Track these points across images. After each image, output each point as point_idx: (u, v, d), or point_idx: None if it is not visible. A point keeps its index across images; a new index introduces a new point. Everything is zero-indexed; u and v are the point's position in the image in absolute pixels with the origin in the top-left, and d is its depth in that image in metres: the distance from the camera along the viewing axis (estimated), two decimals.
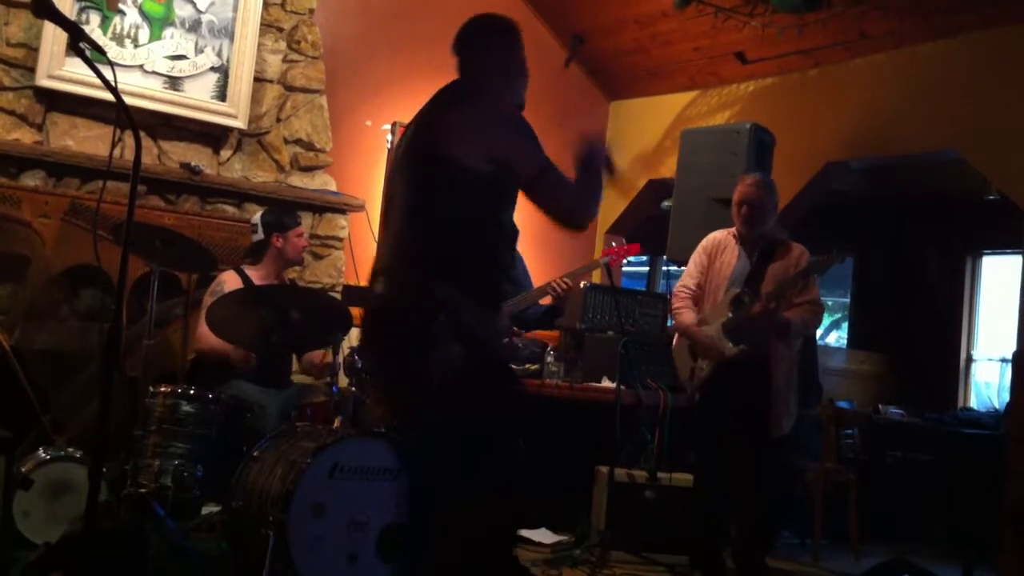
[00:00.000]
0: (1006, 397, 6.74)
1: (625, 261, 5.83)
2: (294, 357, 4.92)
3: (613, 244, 5.02)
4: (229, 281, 4.57)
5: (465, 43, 2.95)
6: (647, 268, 10.16)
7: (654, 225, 7.04)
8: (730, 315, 4.26)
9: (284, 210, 5.10)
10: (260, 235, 4.71)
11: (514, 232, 2.83)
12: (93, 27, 5.18)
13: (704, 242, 4.56)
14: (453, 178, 2.65)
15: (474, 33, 2.95)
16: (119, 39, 5.28)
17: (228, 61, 5.56)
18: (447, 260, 2.63)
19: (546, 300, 4.88)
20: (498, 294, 2.73)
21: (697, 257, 4.54)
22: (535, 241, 6.78)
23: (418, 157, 2.77)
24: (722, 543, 4.42)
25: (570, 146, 2.85)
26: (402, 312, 2.67)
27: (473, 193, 2.65)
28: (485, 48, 2.93)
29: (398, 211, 2.77)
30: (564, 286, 4.72)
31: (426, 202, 2.71)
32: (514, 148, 2.68)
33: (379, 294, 2.73)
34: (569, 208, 2.74)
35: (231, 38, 5.57)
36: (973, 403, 7.88)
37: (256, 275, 4.65)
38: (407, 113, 6.76)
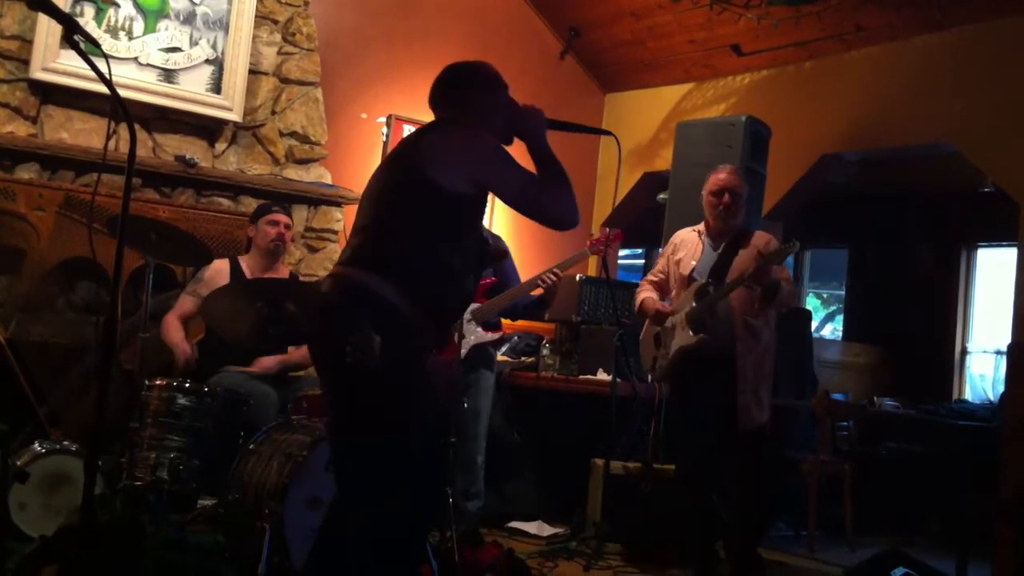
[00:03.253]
0: (1001, 389, 6.77)
1: (621, 252, 5.85)
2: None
3: (593, 233, 5.03)
4: (213, 269, 4.61)
5: (441, 97, 2.91)
6: (643, 261, 10.17)
7: (650, 218, 7.05)
8: (693, 304, 4.26)
9: (264, 202, 5.13)
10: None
11: (476, 248, 2.82)
12: (87, 19, 5.16)
13: (670, 240, 4.66)
14: (424, 195, 2.66)
15: (455, 84, 2.91)
16: (113, 31, 5.26)
17: (223, 53, 5.54)
18: (391, 262, 2.63)
19: (537, 291, 4.88)
20: (437, 302, 2.68)
21: (661, 256, 4.69)
22: (530, 234, 6.81)
23: (397, 170, 2.78)
24: (715, 534, 4.44)
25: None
26: (333, 304, 2.67)
27: (437, 210, 2.66)
28: (462, 99, 2.88)
29: (363, 215, 2.78)
30: (553, 278, 4.72)
31: (390, 213, 2.72)
32: (491, 174, 2.71)
33: (323, 290, 2.73)
34: (555, 214, 2.77)
35: (226, 30, 5.55)
36: (968, 395, 7.90)
37: (248, 266, 4.69)
38: (402, 106, 6.73)
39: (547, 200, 2.74)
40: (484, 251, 2.90)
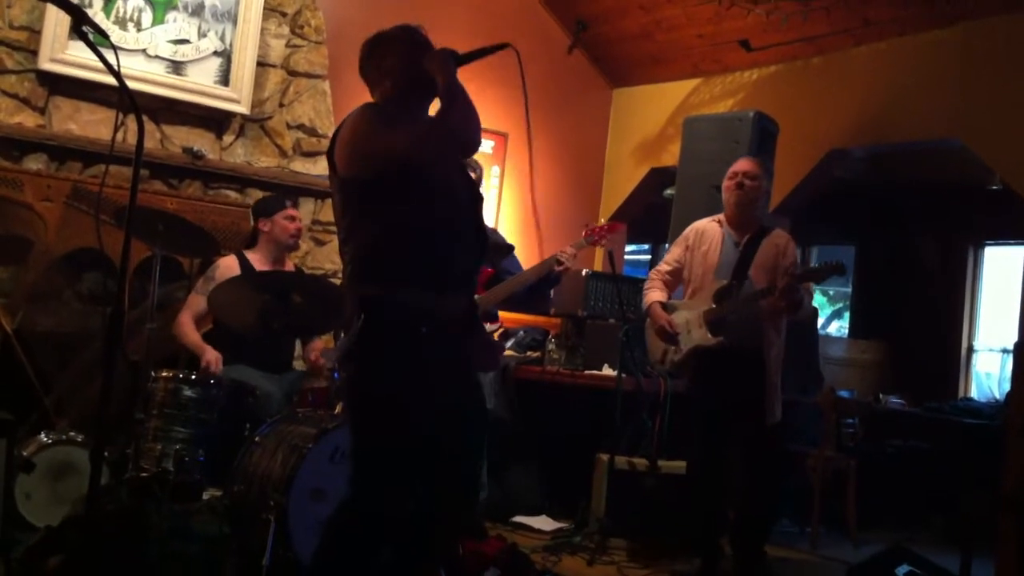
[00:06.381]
0: (1007, 387, 6.76)
1: (627, 247, 5.85)
2: (298, 346, 4.93)
3: (590, 224, 4.98)
4: (224, 266, 4.58)
5: (361, 70, 2.97)
6: (648, 256, 10.18)
7: (656, 213, 7.04)
8: (713, 306, 4.24)
9: (273, 195, 5.12)
10: (252, 222, 4.77)
11: (431, 223, 2.80)
12: (96, 10, 5.16)
13: (687, 231, 4.54)
14: (352, 190, 2.78)
15: (362, 59, 2.97)
16: (122, 23, 5.27)
17: (231, 46, 5.55)
18: (363, 263, 2.75)
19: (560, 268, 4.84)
20: (419, 275, 2.73)
21: (677, 245, 4.56)
22: (532, 228, 6.81)
23: (331, 176, 2.90)
24: (719, 530, 4.43)
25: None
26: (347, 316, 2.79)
27: (372, 198, 2.74)
28: (375, 70, 2.94)
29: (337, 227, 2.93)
30: (572, 252, 4.68)
31: (344, 218, 2.86)
32: (378, 147, 2.70)
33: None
34: (462, 137, 2.74)
35: (234, 22, 5.55)
36: (974, 393, 7.90)
37: (255, 260, 4.67)
38: None
39: (455, 121, 2.70)
40: (474, 222, 2.89)
